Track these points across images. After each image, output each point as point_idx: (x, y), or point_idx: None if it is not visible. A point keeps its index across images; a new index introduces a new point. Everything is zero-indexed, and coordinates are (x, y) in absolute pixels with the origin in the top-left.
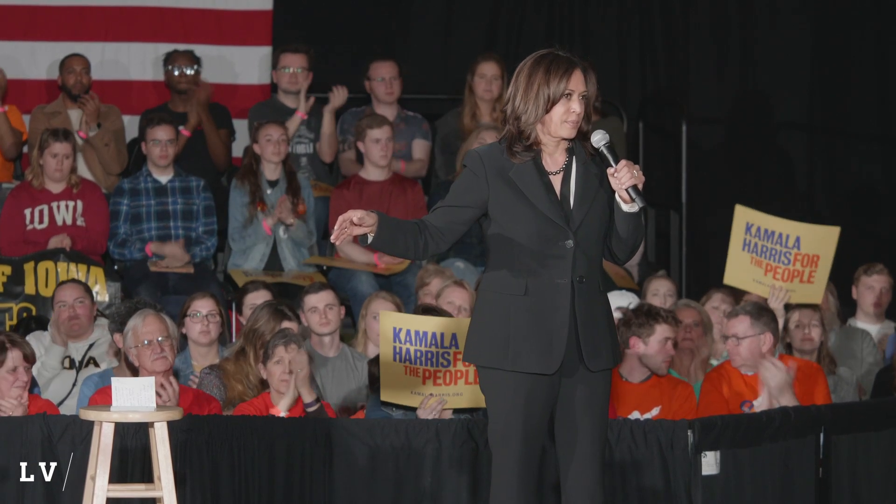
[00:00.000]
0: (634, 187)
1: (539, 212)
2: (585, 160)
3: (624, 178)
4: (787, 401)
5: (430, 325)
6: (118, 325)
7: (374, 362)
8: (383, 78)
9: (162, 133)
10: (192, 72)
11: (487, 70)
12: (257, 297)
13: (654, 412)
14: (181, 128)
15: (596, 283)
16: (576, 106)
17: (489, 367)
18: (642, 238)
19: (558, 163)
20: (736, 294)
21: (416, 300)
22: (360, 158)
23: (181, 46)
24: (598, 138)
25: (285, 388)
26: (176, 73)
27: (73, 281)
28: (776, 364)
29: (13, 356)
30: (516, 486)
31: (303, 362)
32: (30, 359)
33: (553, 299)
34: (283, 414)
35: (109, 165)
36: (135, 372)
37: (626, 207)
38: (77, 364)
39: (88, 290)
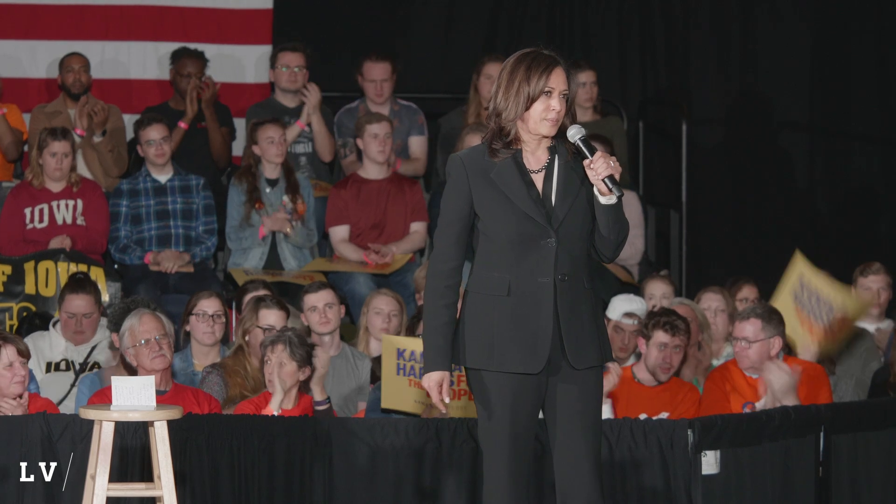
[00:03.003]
0: (611, 177)
1: (520, 210)
2: (568, 159)
3: (600, 168)
4: (790, 403)
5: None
6: (115, 325)
7: (379, 361)
8: (374, 80)
9: (154, 133)
10: (201, 77)
11: (494, 71)
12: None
13: (663, 416)
14: (179, 121)
15: (581, 280)
16: (555, 103)
17: (475, 369)
18: (626, 234)
19: (540, 161)
20: (729, 293)
21: (416, 301)
22: (361, 158)
23: (181, 45)
24: (573, 132)
25: (272, 389)
26: (185, 77)
27: (84, 290)
28: (781, 366)
29: (7, 352)
30: (507, 486)
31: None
32: (24, 353)
33: (536, 299)
34: (275, 412)
35: (110, 168)
36: (132, 372)
37: (604, 200)
38: (78, 367)
39: (98, 300)
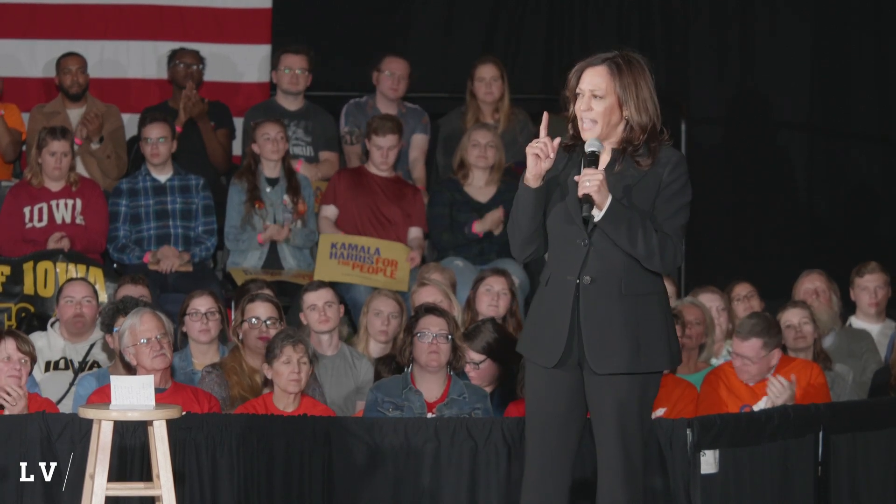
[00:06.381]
0: (586, 197)
1: (566, 207)
2: (629, 165)
3: (579, 187)
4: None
5: (359, 240)
6: (106, 326)
7: (382, 362)
8: (392, 73)
9: (154, 131)
10: (197, 69)
11: (486, 73)
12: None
13: (659, 413)
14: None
15: (616, 286)
16: (581, 105)
17: (521, 355)
18: (646, 251)
19: (602, 163)
20: (724, 292)
21: (413, 302)
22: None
23: (180, 45)
24: (587, 144)
25: (295, 388)
26: (181, 67)
27: (80, 280)
28: (782, 382)
29: (6, 345)
30: (532, 475)
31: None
32: (26, 351)
33: (561, 295)
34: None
35: (109, 172)
36: (131, 371)
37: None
38: (76, 365)
39: (95, 293)
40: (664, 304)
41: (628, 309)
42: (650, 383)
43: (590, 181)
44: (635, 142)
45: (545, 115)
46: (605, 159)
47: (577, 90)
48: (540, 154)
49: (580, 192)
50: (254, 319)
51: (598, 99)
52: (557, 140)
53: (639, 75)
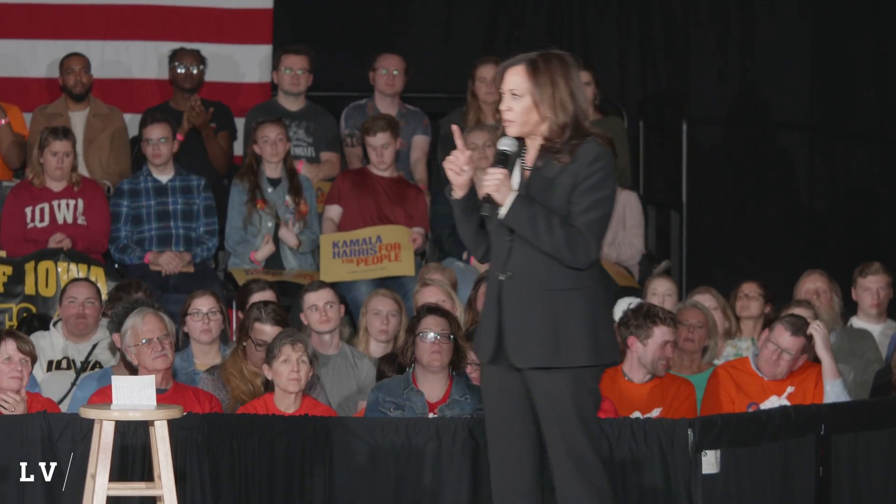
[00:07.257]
0: (487, 197)
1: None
2: (549, 161)
3: (480, 187)
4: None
5: (359, 234)
6: (116, 325)
7: (385, 360)
8: (387, 70)
9: (155, 132)
10: (197, 71)
11: (487, 73)
12: (262, 297)
13: (655, 413)
14: (178, 133)
15: (536, 281)
16: (502, 105)
17: None
18: (551, 246)
19: (531, 161)
20: (721, 293)
21: (414, 303)
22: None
23: (182, 45)
24: (500, 142)
25: (295, 388)
26: (181, 70)
27: (84, 280)
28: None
29: (7, 346)
30: (493, 471)
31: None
32: (26, 352)
33: (490, 291)
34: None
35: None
36: (133, 371)
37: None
38: (79, 366)
39: (99, 293)
40: (593, 299)
41: (548, 304)
42: (583, 378)
43: (489, 180)
44: (556, 140)
45: (455, 128)
46: (531, 156)
47: (500, 90)
48: (454, 169)
49: (481, 192)
50: (260, 343)
51: (516, 98)
52: (469, 153)
53: (557, 74)
